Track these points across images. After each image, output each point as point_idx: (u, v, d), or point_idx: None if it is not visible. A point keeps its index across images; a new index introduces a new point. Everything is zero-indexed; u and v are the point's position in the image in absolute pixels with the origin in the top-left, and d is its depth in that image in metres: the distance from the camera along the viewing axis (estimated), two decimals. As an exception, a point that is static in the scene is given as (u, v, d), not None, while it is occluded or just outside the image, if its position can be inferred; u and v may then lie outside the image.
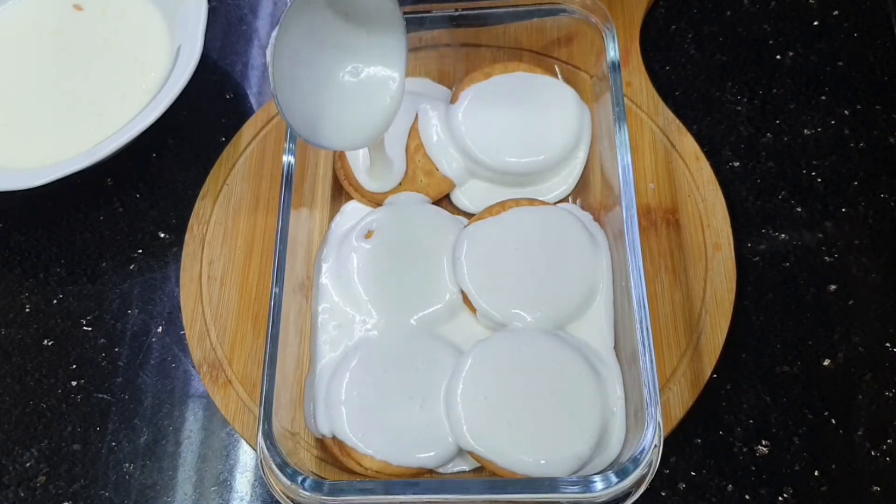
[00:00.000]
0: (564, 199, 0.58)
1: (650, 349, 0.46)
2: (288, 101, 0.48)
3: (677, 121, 0.61)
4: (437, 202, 0.59)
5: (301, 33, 0.49)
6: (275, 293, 0.50)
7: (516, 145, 0.57)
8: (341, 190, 0.60)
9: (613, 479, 0.43)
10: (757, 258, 0.57)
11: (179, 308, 0.58)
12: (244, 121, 0.65)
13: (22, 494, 0.54)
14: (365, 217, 0.57)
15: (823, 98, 0.63)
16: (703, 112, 0.63)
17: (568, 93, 0.59)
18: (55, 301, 0.61)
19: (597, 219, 0.56)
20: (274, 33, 0.47)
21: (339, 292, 0.55)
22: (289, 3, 0.47)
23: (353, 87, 0.52)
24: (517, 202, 0.56)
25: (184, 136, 0.66)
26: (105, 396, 0.57)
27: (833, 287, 0.56)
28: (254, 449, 0.54)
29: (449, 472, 0.50)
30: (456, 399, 0.49)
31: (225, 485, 0.53)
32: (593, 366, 0.50)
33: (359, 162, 0.58)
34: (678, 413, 0.51)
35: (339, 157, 0.60)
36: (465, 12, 0.60)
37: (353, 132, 0.52)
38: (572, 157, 0.58)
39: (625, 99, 0.55)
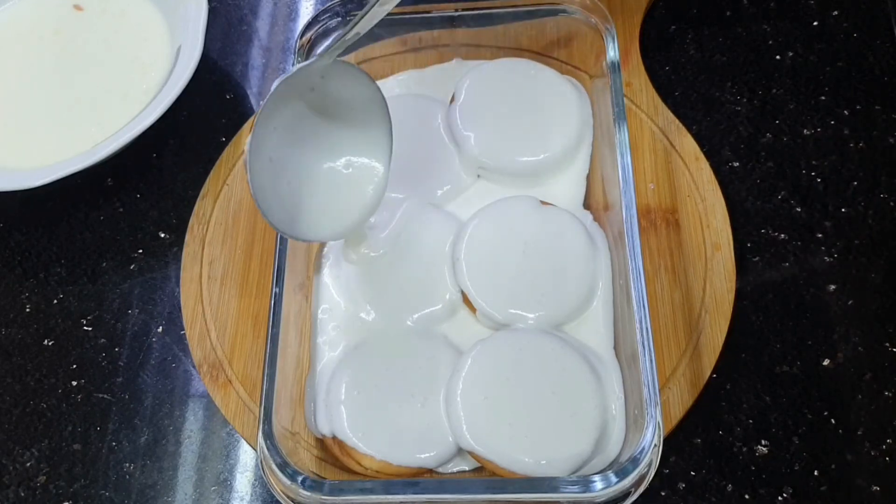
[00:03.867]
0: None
1: (650, 349, 0.46)
2: (268, 200, 0.47)
3: (677, 121, 0.61)
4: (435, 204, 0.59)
5: (278, 133, 0.48)
6: (275, 293, 0.50)
7: (517, 142, 0.57)
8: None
9: (613, 478, 0.43)
10: (757, 258, 0.57)
11: (179, 308, 0.58)
12: (244, 121, 0.65)
13: (22, 494, 0.54)
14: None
15: (823, 98, 0.63)
16: (703, 112, 0.63)
17: (566, 85, 0.59)
18: (55, 301, 0.61)
19: (597, 219, 0.56)
20: (249, 139, 0.46)
21: (339, 292, 0.55)
22: (261, 106, 0.46)
23: (335, 178, 0.51)
24: None
25: (184, 136, 0.66)
26: (105, 396, 0.57)
27: (833, 287, 0.56)
28: (254, 449, 0.54)
29: (449, 472, 0.50)
30: (456, 399, 0.49)
31: (225, 485, 0.54)
32: (593, 366, 0.50)
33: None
34: (678, 413, 0.51)
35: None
36: (465, 12, 0.60)
37: (333, 223, 0.51)
38: (576, 151, 0.58)
39: (624, 99, 0.55)
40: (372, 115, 0.50)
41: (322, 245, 0.57)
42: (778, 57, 0.65)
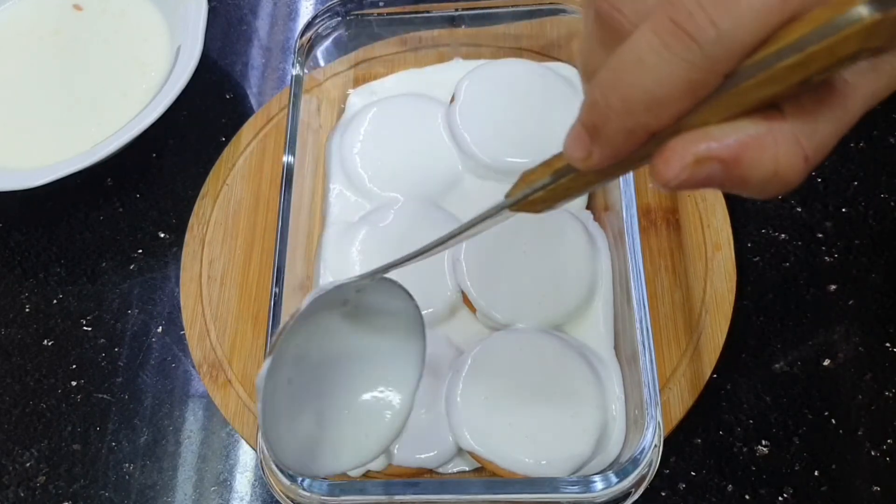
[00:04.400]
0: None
1: (650, 349, 0.46)
2: (279, 429, 0.41)
3: (677, 121, 0.61)
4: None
5: (300, 349, 0.42)
6: (275, 293, 0.50)
7: (517, 142, 0.57)
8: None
9: (613, 479, 0.43)
10: (757, 258, 0.57)
11: (179, 308, 0.58)
12: (244, 121, 0.65)
13: (22, 494, 0.54)
14: (366, 217, 0.57)
15: (823, 98, 0.63)
16: (703, 112, 0.63)
17: (566, 84, 0.59)
18: (55, 301, 0.61)
19: (597, 219, 0.56)
20: (267, 363, 0.39)
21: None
22: (286, 322, 0.40)
23: (363, 401, 0.45)
24: None
25: (184, 136, 0.66)
26: (105, 396, 0.57)
27: (833, 287, 0.56)
28: (254, 449, 0.53)
29: (449, 472, 0.50)
30: (456, 399, 0.49)
31: (225, 485, 0.53)
32: (593, 366, 0.50)
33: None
34: (678, 413, 0.51)
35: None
36: (465, 12, 0.60)
37: (358, 453, 0.44)
38: None
39: (625, 99, 0.54)
40: (407, 330, 0.45)
41: (321, 245, 0.57)
42: (778, 57, 0.65)
